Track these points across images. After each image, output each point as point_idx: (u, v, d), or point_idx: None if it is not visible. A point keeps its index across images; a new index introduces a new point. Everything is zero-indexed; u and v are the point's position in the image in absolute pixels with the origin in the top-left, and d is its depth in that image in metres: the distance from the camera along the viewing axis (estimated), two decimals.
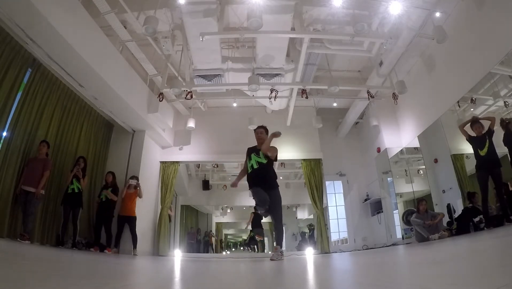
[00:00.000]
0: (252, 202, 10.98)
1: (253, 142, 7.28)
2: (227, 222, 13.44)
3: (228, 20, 4.92)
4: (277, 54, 5.25)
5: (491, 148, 3.94)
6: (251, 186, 3.65)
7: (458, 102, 5.20)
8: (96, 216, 5.17)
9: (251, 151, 3.89)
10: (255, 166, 3.70)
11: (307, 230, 10.83)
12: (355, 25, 4.02)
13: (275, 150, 3.80)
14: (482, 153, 4.00)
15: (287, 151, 7.44)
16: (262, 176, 3.66)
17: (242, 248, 11.06)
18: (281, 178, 10.43)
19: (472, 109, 5.18)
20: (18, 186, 3.90)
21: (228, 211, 12.24)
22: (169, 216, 6.91)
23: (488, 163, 3.94)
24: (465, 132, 4.29)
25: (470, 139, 4.21)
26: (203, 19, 4.32)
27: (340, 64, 6.56)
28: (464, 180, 5.11)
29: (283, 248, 11.99)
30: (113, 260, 3.07)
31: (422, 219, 5.01)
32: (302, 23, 4.61)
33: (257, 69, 5.37)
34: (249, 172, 3.78)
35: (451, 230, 4.67)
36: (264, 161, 3.72)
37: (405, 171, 7.02)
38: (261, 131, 3.98)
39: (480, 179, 4.01)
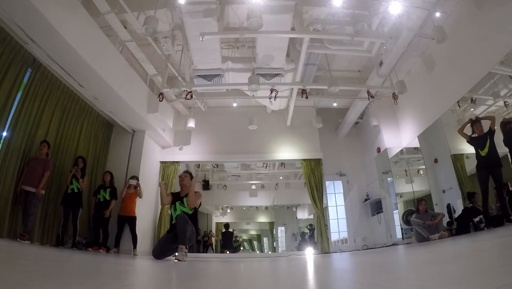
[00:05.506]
0: (251, 202, 10.96)
1: (253, 143, 7.36)
2: (227, 222, 13.44)
3: (228, 20, 4.92)
4: (277, 54, 5.25)
5: (492, 147, 3.93)
6: (171, 231, 3.61)
7: (458, 102, 5.20)
8: (93, 216, 5.16)
9: (175, 198, 3.72)
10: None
11: (307, 230, 10.84)
12: (355, 25, 4.02)
13: (199, 197, 3.66)
14: (483, 153, 3.99)
15: (287, 151, 7.44)
16: (182, 230, 3.41)
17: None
18: (281, 178, 10.43)
19: (472, 109, 5.18)
20: (18, 186, 3.90)
21: (228, 211, 12.22)
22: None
23: (488, 163, 3.93)
24: (465, 135, 4.28)
25: (471, 140, 4.20)
26: (203, 19, 4.32)
27: (340, 64, 6.56)
28: (464, 180, 5.11)
29: (283, 248, 12.00)
30: (113, 260, 3.07)
31: (422, 219, 5.01)
32: (302, 23, 4.60)
33: (257, 69, 5.37)
34: (172, 221, 3.66)
35: (451, 230, 4.67)
36: (190, 212, 3.61)
37: (405, 171, 7.01)
38: (185, 176, 3.78)
39: (480, 179, 4.00)
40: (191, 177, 3.85)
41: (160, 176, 7.01)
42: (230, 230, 10.54)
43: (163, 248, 3.62)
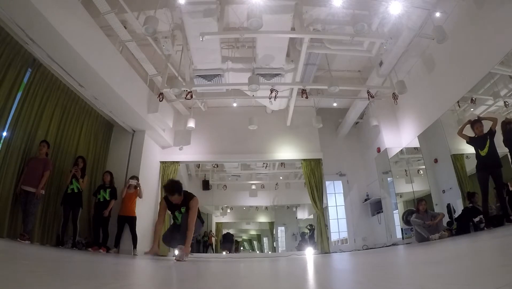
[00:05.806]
0: (251, 202, 10.94)
1: (253, 143, 7.36)
2: (227, 222, 13.44)
3: (228, 20, 4.92)
4: (277, 54, 5.25)
5: (492, 148, 3.93)
6: (172, 232, 3.69)
7: (458, 102, 5.20)
8: (93, 216, 5.16)
9: (173, 207, 3.61)
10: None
11: (307, 230, 10.84)
12: (355, 25, 4.02)
13: (195, 212, 3.50)
14: (483, 153, 3.98)
15: (287, 151, 7.44)
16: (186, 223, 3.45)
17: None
18: (281, 178, 10.44)
19: (472, 109, 5.18)
20: (18, 186, 3.90)
21: (228, 211, 12.23)
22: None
23: (488, 163, 3.93)
24: (464, 136, 4.28)
25: (471, 140, 4.19)
26: (203, 19, 4.32)
27: (340, 64, 6.57)
28: (464, 180, 5.11)
29: (283, 248, 12.00)
30: (113, 260, 3.07)
31: (422, 219, 5.01)
32: (302, 23, 4.60)
33: (257, 69, 5.37)
34: (175, 224, 3.73)
35: (451, 230, 4.67)
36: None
37: (405, 171, 7.02)
38: (173, 198, 3.51)
39: (480, 179, 4.00)
40: (176, 190, 3.47)
41: (160, 175, 7.01)
42: (231, 232, 10.71)
43: (173, 235, 3.67)
